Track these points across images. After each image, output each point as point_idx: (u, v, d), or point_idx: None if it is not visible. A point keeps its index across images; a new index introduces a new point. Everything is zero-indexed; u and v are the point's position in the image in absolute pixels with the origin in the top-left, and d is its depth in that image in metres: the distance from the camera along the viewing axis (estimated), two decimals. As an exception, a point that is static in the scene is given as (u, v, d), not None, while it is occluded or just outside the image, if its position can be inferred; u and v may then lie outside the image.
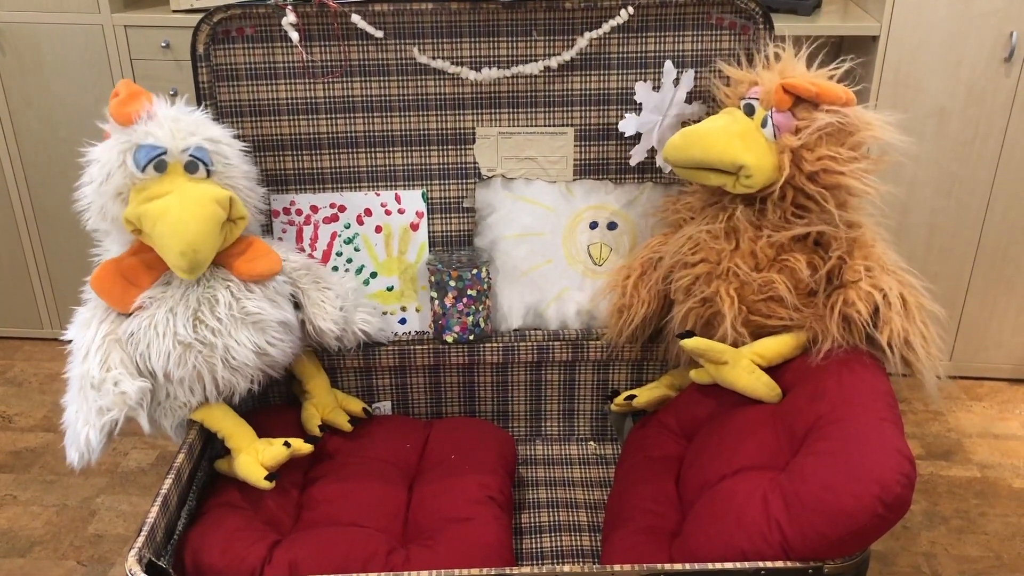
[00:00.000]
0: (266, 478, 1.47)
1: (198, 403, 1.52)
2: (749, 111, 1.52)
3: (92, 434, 1.40)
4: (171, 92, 2.33)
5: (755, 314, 1.54)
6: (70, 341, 1.48)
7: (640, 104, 1.68)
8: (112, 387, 1.41)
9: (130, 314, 1.46)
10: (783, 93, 1.46)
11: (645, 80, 1.67)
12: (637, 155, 1.72)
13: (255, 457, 1.49)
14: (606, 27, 1.63)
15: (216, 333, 1.45)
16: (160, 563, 1.31)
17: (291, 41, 1.62)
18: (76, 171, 2.60)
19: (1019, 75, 2.18)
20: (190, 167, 1.43)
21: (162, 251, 1.39)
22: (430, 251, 1.80)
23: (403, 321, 1.84)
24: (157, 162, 1.41)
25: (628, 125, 1.69)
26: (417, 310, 1.83)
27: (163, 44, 2.34)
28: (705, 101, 1.69)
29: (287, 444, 1.51)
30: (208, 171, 1.45)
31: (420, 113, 1.70)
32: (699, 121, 1.67)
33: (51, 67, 2.39)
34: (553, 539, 1.63)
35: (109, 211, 1.43)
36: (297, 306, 1.61)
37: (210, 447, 1.60)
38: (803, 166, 1.46)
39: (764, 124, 1.49)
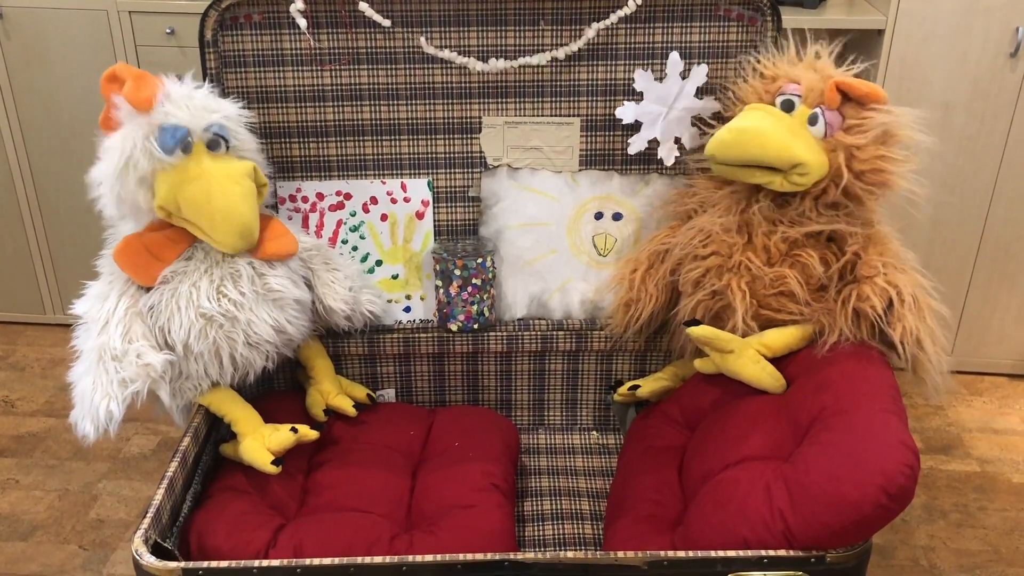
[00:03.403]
0: (272, 463, 1.48)
1: (209, 385, 1.52)
2: (788, 107, 1.49)
3: (114, 406, 1.38)
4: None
5: (765, 308, 1.54)
6: (79, 316, 1.46)
7: (641, 93, 1.68)
8: (135, 359, 1.41)
9: (150, 287, 1.46)
10: (835, 91, 1.45)
11: (647, 69, 1.67)
12: (636, 144, 1.71)
13: (262, 442, 1.50)
14: (614, 17, 1.63)
15: (239, 307, 1.46)
16: (166, 545, 1.32)
17: (299, 28, 1.62)
18: (80, 157, 2.60)
19: (1024, 71, 2.19)
20: (213, 145, 1.44)
21: (214, 235, 1.40)
22: (435, 240, 1.80)
23: (408, 309, 1.84)
24: (184, 143, 1.40)
25: (626, 112, 1.68)
26: (422, 298, 1.84)
27: (168, 31, 2.34)
28: (716, 95, 1.68)
29: (294, 430, 1.51)
30: (227, 147, 1.46)
31: (427, 102, 1.70)
32: (713, 116, 1.66)
33: (55, 52, 2.38)
34: (555, 527, 1.63)
35: (130, 199, 1.42)
36: (308, 286, 1.62)
37: (215, 431, 1.61)
38: (853, 165, 1.45)
39: (813, 122, 1.47)
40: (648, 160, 1.76)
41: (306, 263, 1.63)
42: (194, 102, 1.43)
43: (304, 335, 1.63)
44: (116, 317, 1.42)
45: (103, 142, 1.43)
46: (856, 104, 1.46)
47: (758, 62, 1.58)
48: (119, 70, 1.41)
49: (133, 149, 1.38)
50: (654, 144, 1.72)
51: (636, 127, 1.70)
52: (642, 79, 1.66)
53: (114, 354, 1.40)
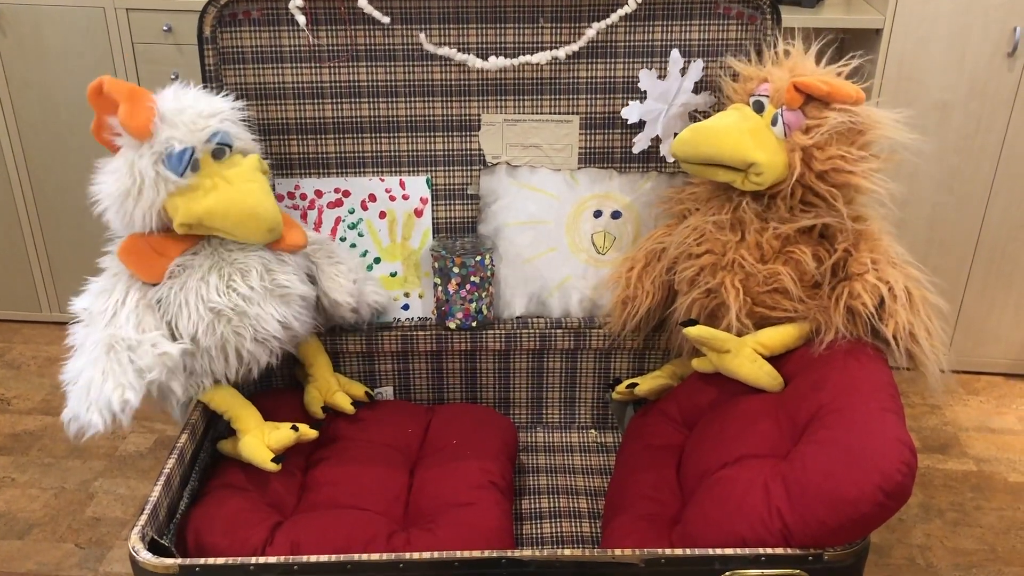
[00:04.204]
0: (272, 461, 1.48)
1: (211, 382, 1.51)
2: (758, 108, 1.51)
3: (131, 395, 1.37)
4: (172, 76, 2.33)
5: (760, 305, 1.55)
6: (79, 312, 1.44)
7: (644, 92, 1.68)
8: (151, 348, 1.40)
9: (156, 283, 1.46)
10: (794, 91, 1.45)
11: (650, 68, 1.67)
12: (640, 143, 1.72)
13: (262, 440, 1.50)
14: (614, 16, 1.63)
15: (248, 301, 1.45)
16: (163, 542, 1.31)
17: (298, 25, 1.62)
18: (77, 154, 2.60)
19: (1022, 70, 2.19)
20: (217, 154, 1.43)
21: (243, 236, 1.42)
22: (434, 237, 1.80)
23: (406, 307, 1.84)
24: (193, 162, 1.40)
25: (631, 112, 1.70)
26: (420, 296, 1.84)
27: (165, 28, 2.34)
28: (713, 91, 1.69)
29: (295, 428, 1.51)
30: (231, 150, 1.46)
31: (425, 99, 1.70)
32: (708, 111, 1.68)
33: (52, 50, 2.38)
34: (553, 525, 1.63)
35: (139, 221, 1.41)
36: (312, 281, 1.62)
37: (212, 428, 1.61)
38: (813, 165, 1.46)
39: (774, 122, 1.48)
40: (647, 158, 1.76)
41: (309, 257, 1.62)
42: (185, 116, 1.40)
43: (308, 331, 1.62)
44: (127, 308, 1.41)
45: (106, 162, 1.43)
46: (820, 104, 1.46)
47: (741, 60, 1.59)
48: (107, 88, 1.37)
49: (142, 180, 1.38)
50: (655, 141, 1.72)
51: (640, 126, 1.71)
52: (646, 78, 1.67)
53: (129, 344, 1.39)
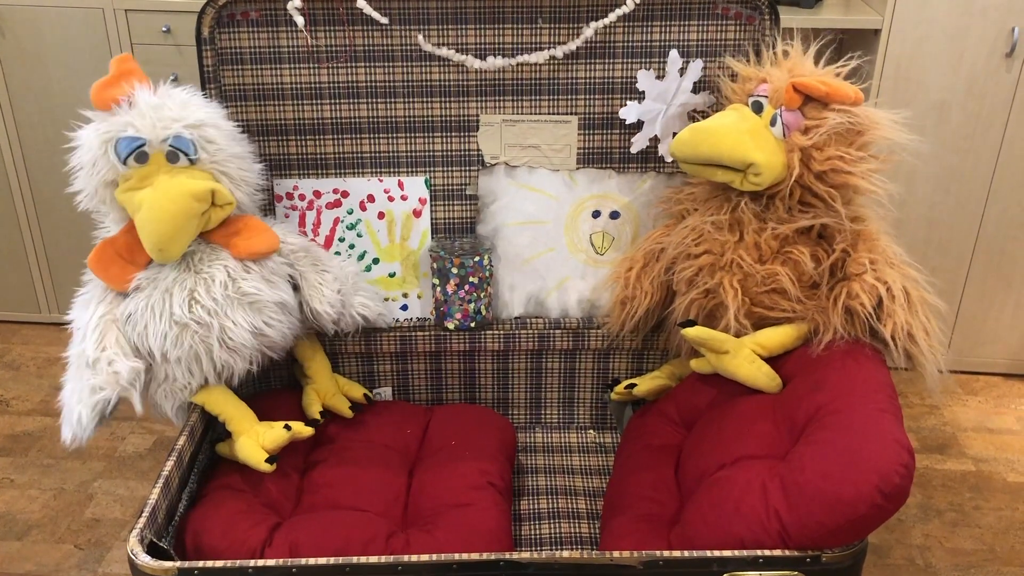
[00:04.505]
0: (267, 461, 1.48)
1: (198, 385, 1.52)
2: (757, 108, 1.51)
3: (84, 412, 1.41)
4: (172, 77, 2.33)
5: (758, 306, 1.55)
6: (71, 322, 1.48)
7: (643, 92, 1.68)
8: (106, 366, 1.42)
9: (127, 294, 1.46)
10: (793, 92, 1.46)
11: (649, 68, 1.67)
12: (638, 143, 1.72)
13: (256, 440, 1.50)
14: (612, 16, 1.63)
15: (212, 314, 1.45)
16: (161, 544, 1.31)
17: (296, 25, 1.62)
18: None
19: (1020, 70, 2.19)
20: (171, 157, 1.43)
21: (141, 238, 1.42)
22: (432, 238, 1.80)
23: (404, 308, 1.84)
24: (137, 154, 1.41)
25: (629, 112, 1.70)
26: (419, 297, 1.84)
27: (164, 29, 2.34)
28: (712, 91, 1.69)
29: (287, 427, 1.51)
30: (191, 159, 1.44)
31: (424, 100, 1.70)
32: (706, 111, 1.68)
33: (51, 51, 2.37)
34: (552, 526, 1.64)
35: (100, 195, 1.45)
36: (296, 288, 1.61)
37: (211, 430, 1.61)
38: (812, 165, 1.46)
39: (773, 123, 1.49)
40: (646, 158, 1.76)
41: (292, 265, 1.59)
42: (161, 112, 1.41)
43: (288, 337, 1.59)
44: (91, 324, 1.44)
45: (78, 131, 1.46)
46: (819, 104, 1.46)
47: (739, 61, 1.59)
48: (112, 62, 1.43)
49: (93, 150, 1.42)
50: (653, 141, 1.72)
51: (638, 126, 1.71)
52: (644, 79, 1.67)
53: (88, 361, 1.42)
